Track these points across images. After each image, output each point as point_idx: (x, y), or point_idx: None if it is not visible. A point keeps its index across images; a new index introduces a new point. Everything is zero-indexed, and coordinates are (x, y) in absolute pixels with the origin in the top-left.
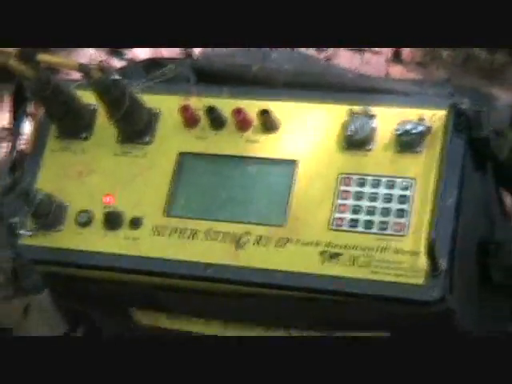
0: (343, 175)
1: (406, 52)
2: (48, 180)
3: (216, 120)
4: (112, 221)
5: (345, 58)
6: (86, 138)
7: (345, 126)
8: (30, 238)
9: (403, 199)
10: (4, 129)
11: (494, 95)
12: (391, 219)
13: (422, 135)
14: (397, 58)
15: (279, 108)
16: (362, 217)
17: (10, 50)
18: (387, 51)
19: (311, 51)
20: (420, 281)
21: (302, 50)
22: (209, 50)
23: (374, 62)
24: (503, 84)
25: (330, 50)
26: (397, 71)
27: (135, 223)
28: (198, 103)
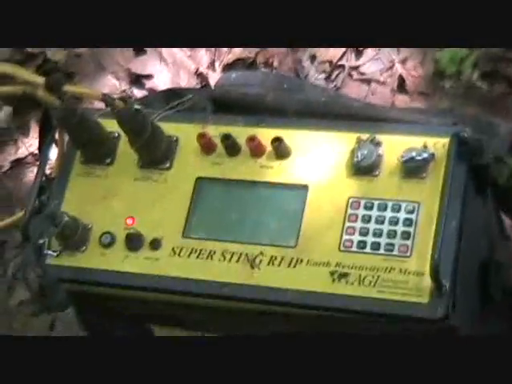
0: (352, 199)
1: (410, 82)
2: (73, 203)
3: (231, 147)
4: (133, 242)
5: (352, 88)
6: (109, 164)
7: (353, 153)
8: (55, 258)
9: (408, 222)
10: (32, 154)
11: (494, 123)
12: (397, 241)
13: (426, 162)
14: (401, 88)
15: (291, 136)
16: (370, 239)
17: (39, 80)
18: (392, 82)
19: (321, 81)
20: (424, 300)
21: (312, 79)
22: (224, 80)
23: (379, 91)
24: (502, 113)
25: (339, 81)
26: (402, 101)
27: (155, 244)
28: (215, 131)
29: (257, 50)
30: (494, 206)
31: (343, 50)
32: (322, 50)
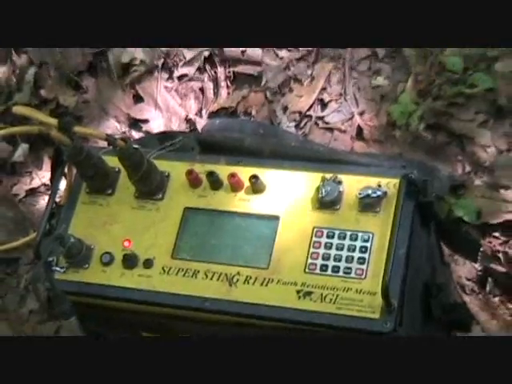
0: (316, 229)
1: (366, 131)
2: (78, 227)
3: (215, 182)
4: (129, 261)
5: (318, 135)
6: (110, 194)
7: (318, 190)
8: (62, 273)
9: (364, 249)
10: (44, 185)
11: (436, 168)
12: (354, 265)
13: (379, 198)
14: (359, 136)
15: (265, 174)
16: (331, 263)
17: (52, 122)
18: (352, 130)
19: (291, 129)
20: (376, 316)
21: (284, 127)
22: (210, 125)
23: (341, 138)
24: (443, 159)
25: (307, 128)
26: (359, 146)
27: (148, 264)
28: (201, 168)
29: (238, 99)
30: (435, 237)
31: (311, 102)
32: (293, 101)
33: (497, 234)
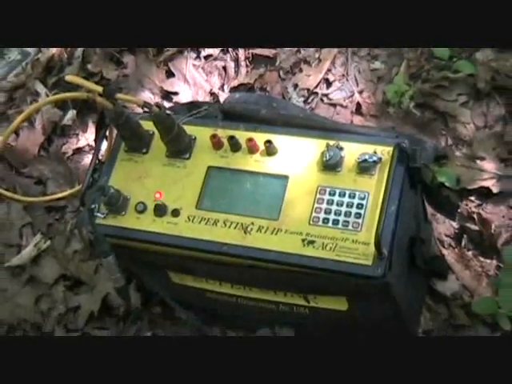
0: (320, 187)
1: (364, 107)
2: (118, 180)
3: (234, 145)
4: (160, 210)
5: (323, 110)
6: (145, 153)
7: (323, 154)
8: (103, 219)
9: (360, 206)
10: (89, 145)
11: (423, 140)
12: (351, 219)
13: (375, 163)
14: (358, 111)
15: (278, 139)
16: (332, 216)
17: (98, 89)
18: (352, 106)
19: (300, 103)
20: (369, 262)
21: (294, 101)
22: (231, 98)
23: (342, 113)
24: (430, 133)
25: (314, 103)
26: (358, 120)
27: (175, 213)
28: (223, 133)
29: (255, 77)
30: (421, 198)
31: (318, 81)
32: (303, 80)
33: (472, 198)
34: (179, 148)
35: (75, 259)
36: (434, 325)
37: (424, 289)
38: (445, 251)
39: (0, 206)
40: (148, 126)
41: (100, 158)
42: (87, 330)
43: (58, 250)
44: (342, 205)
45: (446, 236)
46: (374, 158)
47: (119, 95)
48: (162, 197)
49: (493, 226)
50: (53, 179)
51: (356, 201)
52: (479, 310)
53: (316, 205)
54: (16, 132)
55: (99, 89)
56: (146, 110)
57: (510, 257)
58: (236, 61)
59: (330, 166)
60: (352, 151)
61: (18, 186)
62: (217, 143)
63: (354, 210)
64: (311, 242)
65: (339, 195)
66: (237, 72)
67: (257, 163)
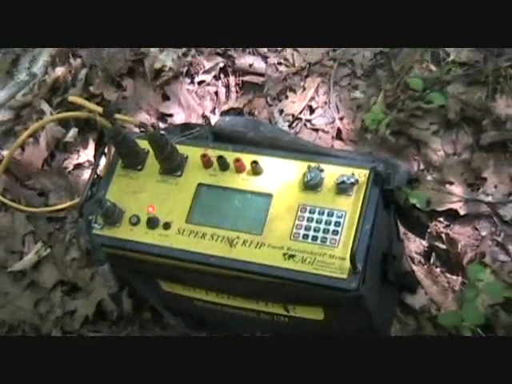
0: (301, 205)
1: (344, 133)
2: (114, 194)
3: (223, 164)
4: (152, 223)
5: (306, 134)
6: (140, 170)
7: (304, 175)
8: (99, 229)
9: (338, 224)
10: (88, 161)
11: (397, 164)
12: (329, 236)
13: (352, 184)
14: (339, 136)
15: (264, 160)
16: (311, 233)
17: (98, 109)
18: (333, 131)
19: (285, 127)
20: (345, 276)
21: (280, 126)
22: (221, 121)
23: (324, 137)
24: (403, 158)
25: (298, 128)
26: (338, 145)
27: (167, 226)
28: (213, 153)
29: (245, 102)
30: (394, 218)
31: (302, 108)
32: (288, 106)
33: (441, 219)
34: (172, 166)
35: (73, 266)
36: (402, 335)
37: (395, 301)
38: (415, 267)
39: (5, 215)
40: (143, 144)
41: (98, 173)
42: (82, 332)
43: (57, 258)
44: (320, 222)
45: (416, 253)
46: (352, 180)
47: (118, 115)
48: (155, 210)
49: (459, 246)
50: (54, 191)
51: (334, 219)
52: (445, 322)
53: (297, 221)
54: (22, 147)
55: (99, 109)
56: (142, 129)
57: (473, 274)
58: (227, 87)
59: (310, 185)
60: (331, 173)
61: (22, 196)
62: (207, 162)
63: (331, 228)
64: (292, 256)
65: (318, 213)
66: (227, 97)
67: (243, 182)
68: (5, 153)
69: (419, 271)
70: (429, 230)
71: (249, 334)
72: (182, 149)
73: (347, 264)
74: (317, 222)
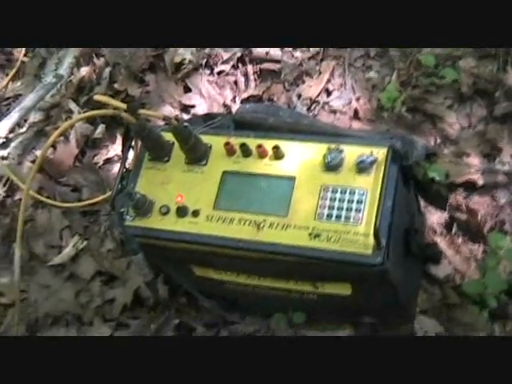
0: (323, 186)
1: (361, 113)
2: (143, 186)
3: (246, 151)
4: (181, 211)
5: (324, 116)
6: (166, 161)
7: (325, 157)
8: (131, 221)
9: (360, 202)
10: (117, 155)
11: (414, 140)
12: (352, 214)
13: (371, 163)
14: (356, 117)
15: (285, 145)
16: (335, 212)
17: (123, 106)
18: (350, 112)
19: (304, 111)
20: (369, 252)
21: (299, 110)
22: (242, 109)
23: (342, 118)
24: (420, 134)
25: (316, 111)
26: (356, 125)
27: (195, 213)
28: (235, 141)
29: (263, 89)
30: (414, 193)
31: (319, 91)
32: (305, 90)
33: (460, 191)
34: (197, 155)
35: (109, 257)
36: (429, 305)
37: (420, 273)
38: (437, 238)
39: (42, 212)
40: (168, 136)
41: (127, 166)
42: (122, 319)
43: (93, 250)
44: (343, 201)
45: (438, 225)
46: (371, 159)
47: (142, 111)
48: (183, 199)
49: (479, 215)
50: (87, 187)
51: (356, 197)
52: (469, 290)
53: (320, 202)
54: (53, 146)
55: (124, 106)
56: (166, 122)
57: (494, 242)
58: (245, 75)
59: (331, 166)
60: (351, 153)
61: (56, 193)
62: (230, 150)
63: (354, 206)
64: (317, 236)
65: (341, 193)
66: (246, 85)
67: (266, 167)
68: (38, 152)
69: (442, 242)
70: (449, 202)
71: (282, 313)
72: (205, 138)
73: (371, 240)
74: (339, 201)
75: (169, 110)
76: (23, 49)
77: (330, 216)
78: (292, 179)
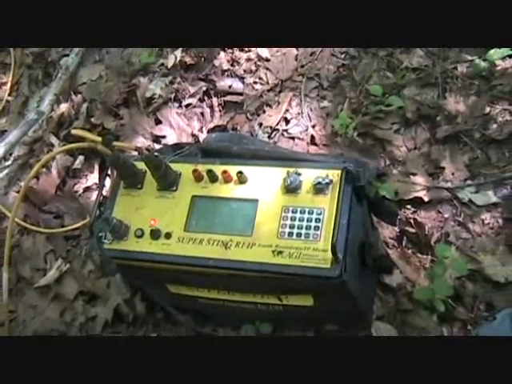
0: (284, 207)
1: (317, 138)
2: (119, 212)
3: (212, 177)
4: (155, 234)
5: (284, 142)
6: (140, 188)
7: (285, 180)
8: (109, 244)
9: (318, 220)
10: (95, 184)
11: (366, 162)
12: (311, 231)
13: (327, 185)
14: (312, 142)
15: (248, 170)
16: (295, 230)
17: (99, 139)
18: (307, 138)
19: (265, 138)
20: (328, 265)
21: (260, 137)
22: (208, 138)
23: (300, 144)
24: (370, 156)
25: (276, 138)
26: (313, 149)
27: (168, 235)
28: (202, 167)
29: (227, 119)
30: (367, 210)
31: (278, 119)
32: (266, 119)
33: (409, 207)
34: (167, 182)
35: (90, 278)
36: (384, 311)
37: (375, 283)
38: (389, 251)
39: (27, 238)
40: (141, 165)
41: (104, 194)
42: (104, 334)
43: (76, 271)
44: (302, 220)
45: (390, 238)
46: (327, 181)
47: (116, 143)
48: (156, 223)
49: (426, 228)
50: (68, 213)
51: (314, 216)
52: (420, 296)
53: (282, 221)
54: (36, 177)
55: (99, 139)
56: (138, 152)
57: (440, 252)
58: (211, 107)
59: (291, 189)
60: (308, 176)
61: (40, 220)
62: (198, 176)
63: (312, 224)
64: (280, 252)
65: (300, 212)
66: (212, 116)
67: (231, 191)
68: (22, 183)
69: (393, 254)
70: (399, 217)
71: (250, 324)
72: (175, 166)
73: (329, 255)
74: (299, 220)
75: (142, 141)
76: (7, 89)
77: (291, 234)
78: (255, 201)
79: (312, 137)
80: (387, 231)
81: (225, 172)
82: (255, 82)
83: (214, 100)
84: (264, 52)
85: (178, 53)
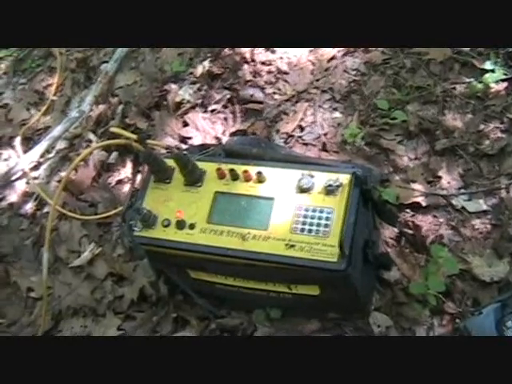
0: (297, 205)
1: (328, 145)
2: (149, 203)
3: (234, 175)
4: (180, 225)
5: (298, 148)
6: (168, 183)
7: (299, 181)
8: (139, 231)
9: (328, 218)
10: (127, 177)
11: (371, 168)
12: (321, 228)
13: (337, 187)
14: (324, 149)
15: (266, 171)
16: (307, 227)
17: (133, 136)
18: (320, 145)
19: (281, 143)
20: (335, 260)
21: (277, 142)
22: (230, 141)
23: (313, 150)
24: (376, 163)
25: (291, 143)
26: (324, 155)
27: (192, 226)
28: (225, 167)
29: (248, 125)
30: (371, 212)
31: (294, 127)
32: (283, 126)
33: (408, 210)
34: (193, 178)
35: (119, 261)
36: (381, 303)
37: (374, 277)
38: (389, 249)
39: (64, 223)
40: (170, 162)
41: (136, 186)
42: (129, 312)
43: (107, 254)
44: (314, 218)
45: (390, 238)
46: (337, 183)
47: (149, 141)
48: (182, 215)
49: (423, 230)
50: (102, 203)
51: (324, 215)
52: (414, 291)
53: (295, 218)
54: (75, 169)
55: (134, 137)
56: (168, 151)
57: (435, 252)
58: (233, 113)
59: (304, 189)
60: (320, 178)
61: (77, 208)
62: (221, 174)
63: (323, 222)
64: (292, 246)
65: (312, 211)
66: (234, 121)
67: (251, 188)
68: (63, 174)
69: (392, 252)
70: (398, 220)
71: (261, 309)
72: (200, 164)
73: (337, 250)
74: (311, 218)
75: (170, 141)
76: (53, 89)
77: (303, 230)
78: (272, 199)
79: (324, 144)
80: (388, 231)
81: (245, 171)
82: (274, 93)
83: (237, 107)
84: (283, 66)
85: (206, 63)
